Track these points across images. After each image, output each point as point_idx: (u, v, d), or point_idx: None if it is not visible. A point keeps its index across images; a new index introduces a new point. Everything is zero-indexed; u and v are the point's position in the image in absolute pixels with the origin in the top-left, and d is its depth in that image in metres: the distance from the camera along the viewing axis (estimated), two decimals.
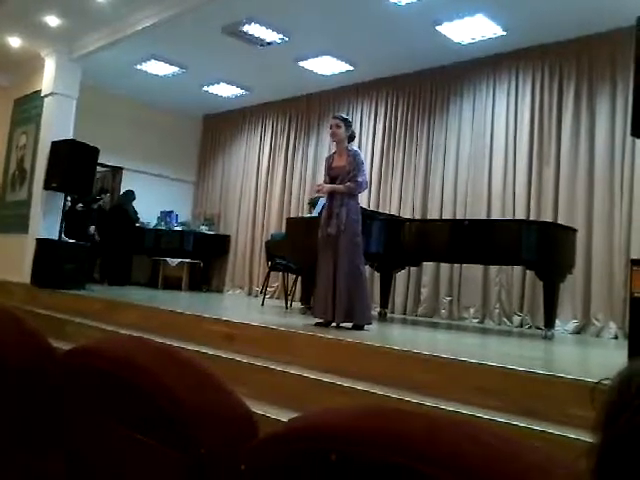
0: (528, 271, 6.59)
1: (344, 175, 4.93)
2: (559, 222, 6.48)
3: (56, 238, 7.84)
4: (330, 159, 5.17)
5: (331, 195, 4.97)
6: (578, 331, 6.48)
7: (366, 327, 4.86)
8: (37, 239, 7.89)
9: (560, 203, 6.81)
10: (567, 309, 6.51)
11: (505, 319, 7.05)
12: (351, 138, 5.14)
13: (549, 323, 5.49)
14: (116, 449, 0.92)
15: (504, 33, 6.83)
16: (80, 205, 9.10)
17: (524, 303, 6.93)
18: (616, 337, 6.12)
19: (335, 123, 5.08)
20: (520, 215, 6.97)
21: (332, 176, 5.03)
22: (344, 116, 5.31)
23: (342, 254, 4.80)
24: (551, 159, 6.95)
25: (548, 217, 6.73)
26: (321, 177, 9.28)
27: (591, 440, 0.60)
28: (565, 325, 6.50)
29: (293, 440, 0.69)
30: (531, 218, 6.84)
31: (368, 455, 0.62)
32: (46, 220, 8.11)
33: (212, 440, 0.79)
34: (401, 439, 0.61)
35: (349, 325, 4.82)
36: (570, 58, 6.94)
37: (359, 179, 4.92)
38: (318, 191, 5.23)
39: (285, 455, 0.69)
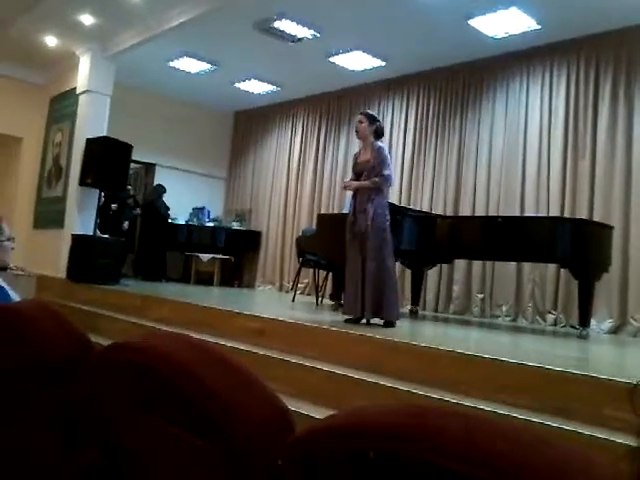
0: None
1: (369, 170, 4.89)
2: (594, 219, 6.36)
3: (91, 233, 7.99)
4: (356, 156, 5.16)
5: (356, 192, 4.95)
6: (614, 331, 6.35)
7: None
8: (72, 235, 8.03)
9: (596, 199, 6.67)
10: (603, 308, 6.38)
11: (538, 317, 6.95)
12: (378, 134, 5.07)
13: (584, 322, 5.39)
14: (153, 443, 0.94)
15: (539, 27, 6.71)
16: (114, 205, 9.19)
17: (558, 301, 6.82)
18: None
19: (358, 119, 5.09)
20: (554, 211, 6.85)
21: (357, 172, 5.02)
22: (369, 112, 5.30)
23: (370, 250, 4.77)
24: (586, 154, 6.81)
25: (583, 214, 6.61)
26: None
27: (631, 443, 0.59)
28: (601, 324, 6.38)
29: (332, 437, 0.69)
30: (566, 214, 6.72)
31: (407, 453, 0.62)
32: (81, 216, 8.27)
33: (249, 435, 0.80)
34: (439, 438, 0.61)
35: (380, 322, 4.81)
36: (607, 51, 6.78)
37: (385, 173, 4.85)
38: (345, 187, 5.24)
39: (324, 451, 0.69)
